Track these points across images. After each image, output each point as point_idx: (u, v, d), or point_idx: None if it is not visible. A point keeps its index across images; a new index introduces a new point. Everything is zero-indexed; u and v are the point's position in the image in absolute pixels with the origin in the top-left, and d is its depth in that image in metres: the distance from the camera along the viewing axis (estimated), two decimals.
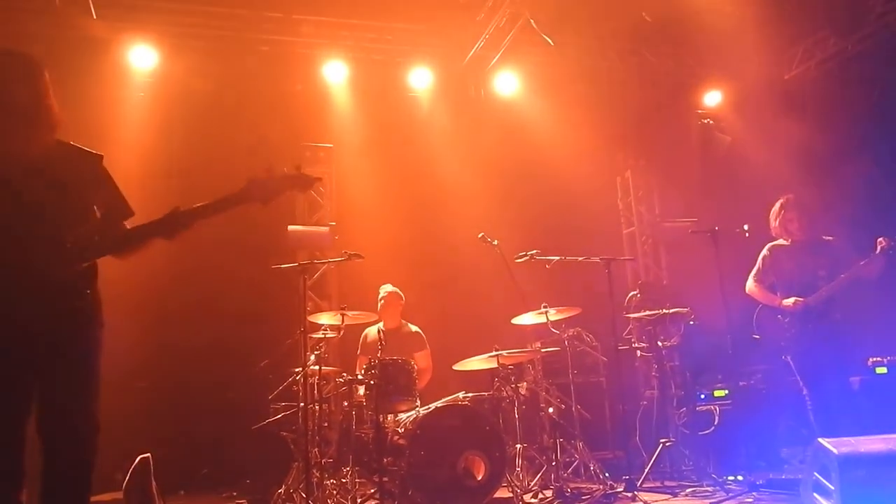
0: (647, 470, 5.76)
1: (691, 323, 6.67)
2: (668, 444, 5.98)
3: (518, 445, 5.73)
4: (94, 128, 6.98)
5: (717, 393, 6.59)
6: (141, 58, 7.20)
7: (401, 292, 6.60)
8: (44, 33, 6.78)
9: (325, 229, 7.74)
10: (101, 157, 3.08)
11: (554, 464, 5.60)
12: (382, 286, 6.63)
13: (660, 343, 6.51)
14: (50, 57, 6.75)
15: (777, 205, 5.72)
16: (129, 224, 3.12)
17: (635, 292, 7.70)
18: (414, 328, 6.63)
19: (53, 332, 2.80)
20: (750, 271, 5.80)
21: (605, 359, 7.31)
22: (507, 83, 8.23)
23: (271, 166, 2.99)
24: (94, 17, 6.78)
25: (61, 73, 6.80)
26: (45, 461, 2.80)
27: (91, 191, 3.02)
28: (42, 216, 2.82)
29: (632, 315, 7.28)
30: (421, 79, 8.04)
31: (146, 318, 6.85)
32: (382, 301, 6.52)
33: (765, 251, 5.75)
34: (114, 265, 3.12)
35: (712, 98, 8.91)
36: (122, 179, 3.23)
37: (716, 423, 6.45)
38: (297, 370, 5.82)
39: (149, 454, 4.47)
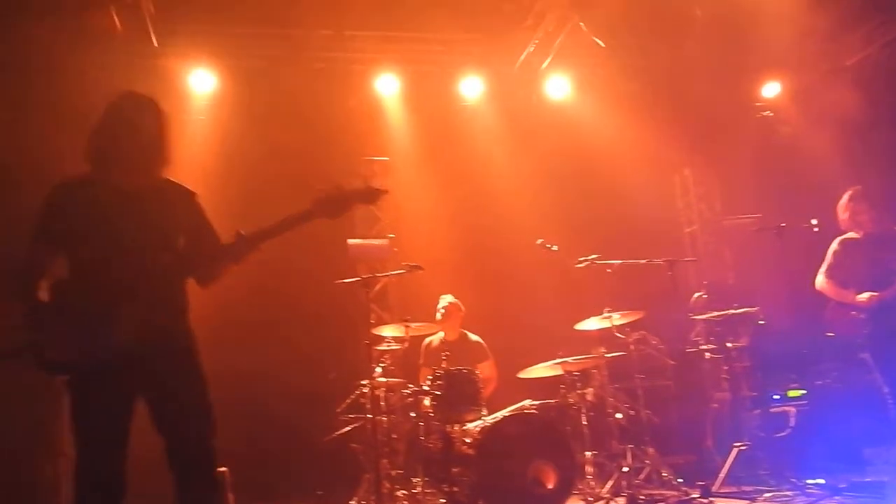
0: (722, 475, 5.63)
1: (760, 322, 6.49)
2: (742, 447, 5.83)
3: (587, 453, 5.67)
4: None
5: (792, 393, 6.38)
6: (200, 82, 7.41)
7: (460, 303, 6.61)
8: (107, 61, 7.02)
9: (384, 242, 7.81)
10: (195, 193, 3.38)
11: (625, 470, 5.52)
12: (442, 297, 6.66)
13: (729, 344, 6.35)
14: (113, 84, 7.04)
15: (845, 197, 5.55)
16: None
17: (701, 293, 7.54)
18: (475, 338, 6.63)
19: (159, 339, 3.04)
20: (819, 267, 5.62)
21: (672, 362, 7.18)
22: (559, 87, 8.18)
23: (338, 182, 3.09)
24: (155, 44, 6.99)
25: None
26: (172, 458, 3.07)
27: (185, 221, 3.28)
28: (150, 236, 3.11)
29: (698, 316, 7.12)
30: (472, 88, 8.06)
31: (214, 335, 6.99)
32: (443, 311, 6.55)
33: (835, 245, 5.58)
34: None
35: (770, 90, 8.67)
36: None
37: (792, 424, 6.25)
38: (363, 382, 5.88)
39: (225, 468, 4.57)
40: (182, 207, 3.28)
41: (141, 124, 3.15)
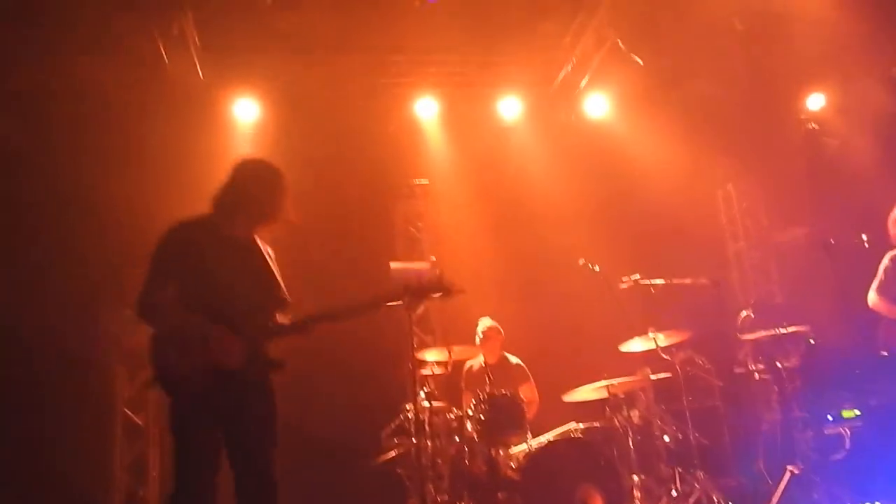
0: (775, 498, 5.49)
1: (811, 341, 6.33)
2: (796, 470, 5.67)
3: (634, 477, 5.58)
4: (203, 180, 7.40)
5: (847, 414, 6.19)
6: (244, 110, 7.57)
7: (499, 326, 6.58)
8: (155, 91, 7.25)
9: (425, 265, 7.83)
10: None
11: (674, 495, 5.42)
12: (481, 320, 6.64)
13: (779, 364, 6.21)
14: (160, 113, 7.27)
15: (895, 211, 5.41)
16: None
17: (748, 312, 7.39)
18: (515, 360, 6.60)
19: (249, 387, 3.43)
20: (871, 283, 5.48)
21: (719, 382, 7.04)
22: (598, 105, 8.16)
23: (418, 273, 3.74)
24: (201, 76, 7.17)
25: (172, 129, 7.33)
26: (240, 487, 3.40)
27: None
28: (255, 280, 3.54)
29: (746, 336, 6.98)
30: (510, 108, 8.08)
31: None
32: (482, 336, 6.52)
33: (886, 261, 5.44)
34: None
35: (815, 101, 8.53)
36: None
37: (847, 446, 6.07)
38: (407, 406, 5.89)
39: None
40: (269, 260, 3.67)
41: (269, 189, 3.62)
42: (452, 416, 5.80)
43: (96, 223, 7.08)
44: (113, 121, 7.13)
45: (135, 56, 6.99)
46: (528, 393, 6.32)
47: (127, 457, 6.82)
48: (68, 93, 7.14)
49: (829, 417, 6.31)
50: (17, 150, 6.89)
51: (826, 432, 6.20)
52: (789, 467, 5.69)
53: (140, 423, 6.91)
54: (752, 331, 6.80)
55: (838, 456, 6.07)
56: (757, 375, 7.11)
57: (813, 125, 8.63)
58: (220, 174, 7.42)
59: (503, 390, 5.66)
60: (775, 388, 6.36)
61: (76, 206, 7.01)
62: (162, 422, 6.85)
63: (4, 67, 6.89)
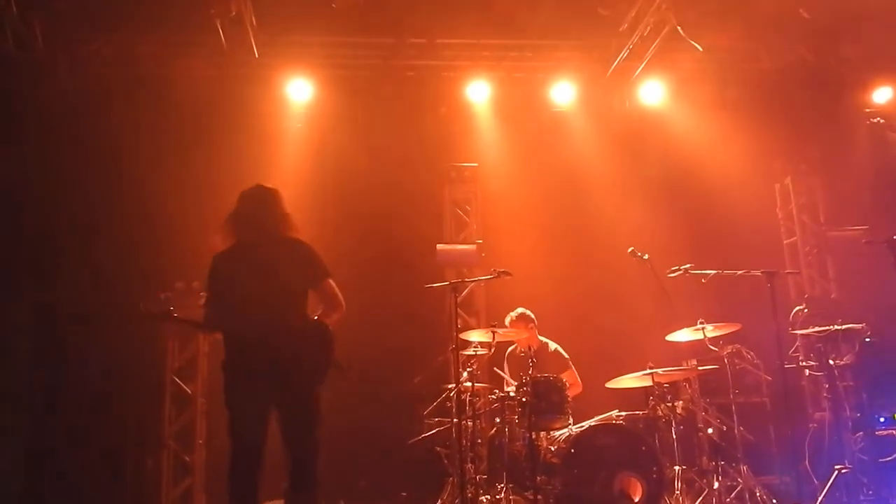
0: (820, 498, 5.36)
1: (867, 340, 6.15)
2: (844, 470, 5.53)
3: (676, 467, 5.52)
4: (258, 159, 7.55)
5: None
6: (298, 91, 7.67)
7: (530, 313, 6.51)
8: (212, 74, 7.40)
9: (472, 247, 7.85)
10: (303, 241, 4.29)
11: (716, 488, 5.34)
12: (512, 312, 6.56)
13: (831, 361, 6.05)
14: (216, 92, 7.42)
15: None
16: None
17: (801, 307, 7.21)
18: (554, 347, 6.55)
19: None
20: None
21: (768, 377, 6.89)
22: (654, 92, 8.01)
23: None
24: (256, 56, 7.29)
25: (226, 108, 7.47)
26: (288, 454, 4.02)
27: (304, 269, 4.20)
28: (282, 283, 4.10)
29: (798, 331, 6.82)
30: (563, 94, 8.00)
31: None
32: (508, 325, 6.42)
33: None
34: None
35: (882, 95, 8.23)
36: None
37: None
38: (450, 386, 5.93)
39: None
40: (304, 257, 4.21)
41: (263, 204, 4.27)
42: (494, 397, 5.80)
43: (153, 201, 7.28)
44: (170, 99, 7.31)
45: (193, 36, 7.16)
46: (568, 379, 6.28)
47: (175, 424, 7.02)
48: (127, 72, 7.35)
49: (882, 419, 6.14)
50: (77, 129, 7.14)
51: (878, 434, 6.03)
52: (837, 467, 5.55)
53: (189, 392, 7.09)
54: (804, 326, 6.64)
55: (889, 458, 5.91)
56: (808, 372, 6.95)
57: (878, 120, 8.33)
58: (271, 153, 7.63)
59: (546, 374, 5.64)
60: (826, 386, 6.21)
61: (132, 185, 7.21)
62: (209, 392, 7.04)
63: (69, 45, 7.13)
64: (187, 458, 6.94)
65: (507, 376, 6.45)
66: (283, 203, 4.34)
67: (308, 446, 4.04)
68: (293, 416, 4.02)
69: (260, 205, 4.28)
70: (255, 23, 7.02)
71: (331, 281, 4.21)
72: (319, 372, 4.10)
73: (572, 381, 6.35)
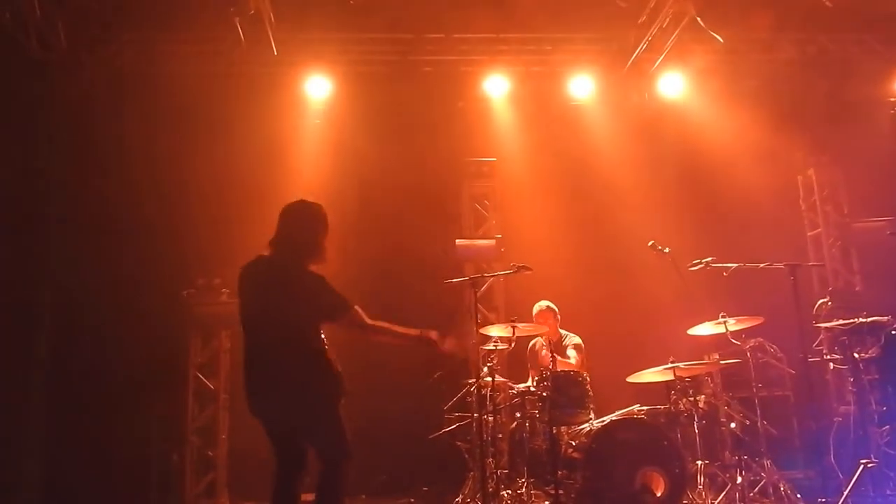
0: (845, 493, 5.30)
1: (893, 332, 6.06)
2: (870, 465, 5.46)
3: (698, 462, 5.49)
4: (277, 156, 7.60)
5: None
6: (316, 87, 7.70)
7: (554, 306, 6.52)
8: (232, 71, 7.45)
9: (491, 242, 7.84)
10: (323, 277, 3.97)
11: (739, 482, 5.31)
12: (537, 303, 6.58)
13: (856, 355, 5.97)
14: (234, 89, 7.47)
15: None
16: None
17: (825, 300, 7.12)
18: (573, 339, 6.53)
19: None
20: None
21: (791, 371, 6.82)
22: (673, 85, 7.95)
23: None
24: (275, 52, 7.32)
25: (247, 106, 7.51)
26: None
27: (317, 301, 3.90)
28: (273, 311, 3.83)
29: (822, 325, 6.73)
30: (582, 87, 7.96)
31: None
32: (534, 318, 6.45)
33: None
34: None
35: None
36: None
37: None
38: (470, 381, 5.93)
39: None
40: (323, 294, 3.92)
41: (291, 221, 3.98)
42: (515, 391, 5.80)
43: (174, 198, 7.35)
44: (190, 97, 7.36)
45: (213, 34, 7.20)
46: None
47: (198, 420, 7.09)
48: (147, 71, 7.42)
49: None
50: (97, 127, 7.23)
51: None
52: (863, 461, 5.48)
53: (212, 387, 7.16)
54: (828, 319, 6.55)
55: None
56: (832, 366, 6.87)
57: None
58: (289, 150, 7.67)
59: (567, 369, 5.63)
60: (851, 379, 6.12)
61: (154, 183, 7.29)
62: (231, 388, 7.10)
63: (92, 46, 7.21)
64: (210, 453, 7.01)
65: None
66: (317, 226, 4.01)
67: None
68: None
69: (285, 220, 4.00)
70: (273, 20, 7.05)
71: (355, 310, 3.96)
72: (297, 410, 3.84)
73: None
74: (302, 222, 3.99)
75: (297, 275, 3.89)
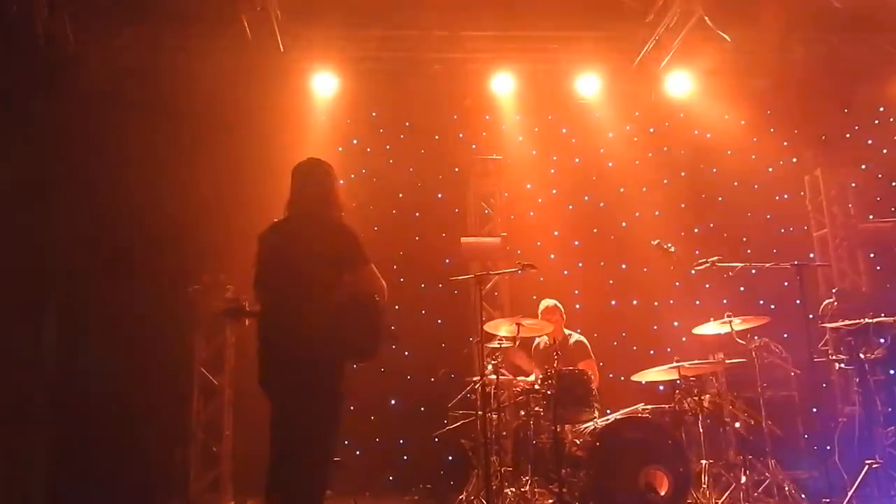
0: (850, 493, 5.28)
1: None
2: (874, 465, 5.45)
3: (703, 461, 5.48)
4: (283, 152, 7.59)
5: None
6: (323, 84, 7.70)
7: (560, 305, 6.51)
8: (238, 66, 7.46)
9: (496, 240, 7.84)
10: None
11: (743, 482, 5.30)
12: (542, 301, 6.58)
13: (862, 355, 5.95)
14: (241, 85, 7.48)
15: None
16: None
17: (831, 300, 7.10)
18: (576, 338, 6.53)
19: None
20: None
21: (797, 371, 6.81)
22: (680, 84, 7.94)
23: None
24: (282, 49, 7.32)
25: (254, 103, 7.52)
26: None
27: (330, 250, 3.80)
28: (298, 263, 3.75)
29: (828, 325, 6.71)
30: (589, 85, 7.95)
31: None
32: (540, 316, 6.44)
33: None
34: None
35: None
36: None
37: None
38: (474, 379, 5.93)
39: (339, 458, 4.73)
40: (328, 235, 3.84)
41: (303, 177, 3.99)
42: (519, 390, 5.80)
43: (179, 195, 7.36)
44: (197, 93, 7.37)
45: (219, 30, 7.21)
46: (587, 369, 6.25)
47: (203, 415, 7.11)
48: (154, 67, 7.43)
49: None
50: (102, 122, 7.24)
51: None
52: (868, 461, 5.47)
53: (216, 383, 7.17)
54: (834, 320, 6.53)
55: None
56: (838, 366, 6.85)
57: None
58: (296, 147, 7.68)
59: (572, 367, 5.62)
60: (856, 380, 6.11)
61: (159, 179, 7.30)
62: (236, 383, 7.12)
63: (98, 40, 7.22)
64: (215, 449, 7.02)
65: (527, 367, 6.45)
66: (329, 179, 4.03)
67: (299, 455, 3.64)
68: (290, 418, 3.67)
69: (299, 178, 4.00)
70: (280, 17, 7.06)
71: (370, 268, 3.86)
72: (333, 364, 3.73)
73: (592, 372, 6.32)
74: (316, 176, 4.01)
75: (326, 226, 3.85)
